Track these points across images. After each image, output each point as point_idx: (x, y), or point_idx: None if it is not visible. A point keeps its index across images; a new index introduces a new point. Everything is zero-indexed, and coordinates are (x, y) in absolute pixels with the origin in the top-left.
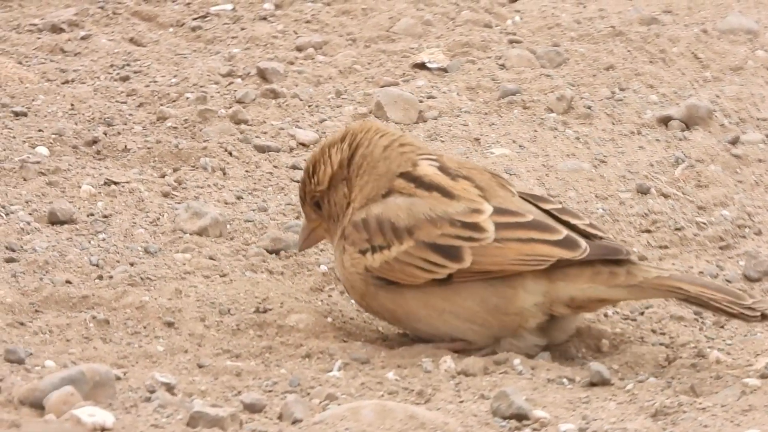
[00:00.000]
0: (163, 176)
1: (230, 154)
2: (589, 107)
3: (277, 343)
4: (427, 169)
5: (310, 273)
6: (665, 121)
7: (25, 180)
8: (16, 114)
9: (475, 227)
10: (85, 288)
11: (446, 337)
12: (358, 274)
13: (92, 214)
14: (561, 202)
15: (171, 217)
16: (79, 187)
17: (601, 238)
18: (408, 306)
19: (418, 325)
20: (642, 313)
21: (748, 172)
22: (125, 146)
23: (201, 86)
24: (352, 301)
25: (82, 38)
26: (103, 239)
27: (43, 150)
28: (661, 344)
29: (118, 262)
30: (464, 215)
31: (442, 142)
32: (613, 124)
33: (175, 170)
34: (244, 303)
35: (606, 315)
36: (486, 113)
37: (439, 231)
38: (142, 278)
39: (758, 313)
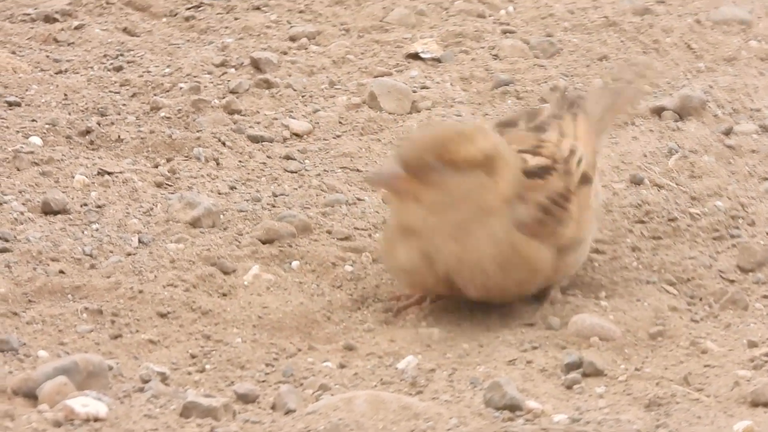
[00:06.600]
0: (156, 166)
1: (223, 144)
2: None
3: (269, 334)
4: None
5: (306, 263)
6: (658, 111)
7: (18, 170)
8: (10, 104)
9: (574, 151)
10: (79, 278)
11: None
12: (543, 256)
13: (86, 204)
14: None
15: (164, 207)
16: (73, 177)
17: None
18: (577, 250)
19: (575, 267)
20: (639, 300)
21: (741, 163)
22: (119, 136)
23: (194, 76)
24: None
25: (76, 28)
26: (97, 229)
27: (36, 140)
28: (655, 334)
29: (111, 252)
30: (562, 151)
31: None
32: None
33: (168, 160)
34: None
35: (598, 305)
36: (479, 103)
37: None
38: (135, 268)
39: None
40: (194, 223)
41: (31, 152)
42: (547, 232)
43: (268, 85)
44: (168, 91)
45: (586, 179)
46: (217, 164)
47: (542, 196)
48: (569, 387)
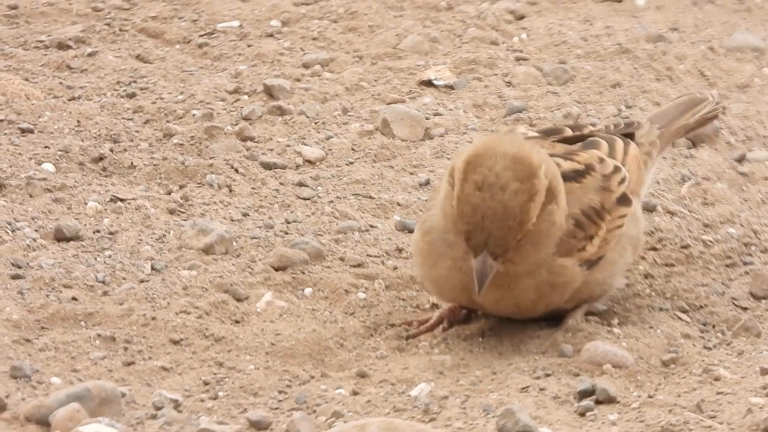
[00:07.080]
0: (169, 193)
1: (236, 171)
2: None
3: (282, 361)
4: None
5: (319, 290)
6: None
7: (31, 197)
8: (23, 131)
9: (619, 169)
10: (91, 305)
11: (611, 290)
12: (575, 274)
13: (98, 231)
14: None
15: (177, 234)
16: (86, 203)
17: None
18: (606, 269)
19: (604, 287)
20: (652, 327)
21: (754, 190)
22: (131, 163)
23: (207, 103)
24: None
25: (89, 55)
26: (110, 256)
27: (49, 167)
28: (668, 362)
29: (124, 279)
30: (605, 167)
31: (449, 159)
32: None
33: (181, 187)
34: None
35: (611, 332)
36: (492, 131)
37: (614, 188)
38: (148, 295)
39: None
40: (207, 250)
41: (44, 179)
42: (576, 247)
43: (281, 111)
44: (181, 117)
45: (624, 200)
46: (230, 191)
47: (576, 207)
48: (582, 414)
